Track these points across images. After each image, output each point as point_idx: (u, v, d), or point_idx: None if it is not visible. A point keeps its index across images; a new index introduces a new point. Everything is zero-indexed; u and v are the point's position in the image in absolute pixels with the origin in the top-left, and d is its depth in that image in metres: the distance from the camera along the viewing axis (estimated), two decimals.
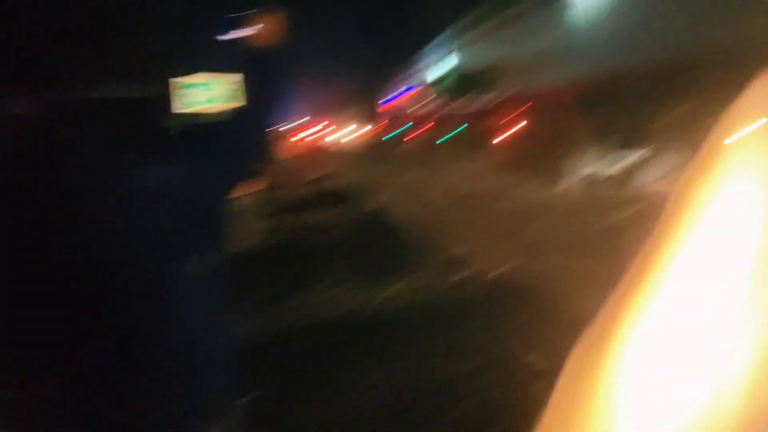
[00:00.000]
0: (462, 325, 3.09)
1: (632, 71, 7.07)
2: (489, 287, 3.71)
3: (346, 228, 6.31)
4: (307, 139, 38.61)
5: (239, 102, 1.00)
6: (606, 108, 7.86)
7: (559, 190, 8.58)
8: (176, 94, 15.90)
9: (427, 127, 19.62)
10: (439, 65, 15.18)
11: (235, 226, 0.95)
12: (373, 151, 25.95)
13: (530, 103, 10.23)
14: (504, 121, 11.08)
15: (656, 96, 6.67)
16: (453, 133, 17.43)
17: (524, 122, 10.34)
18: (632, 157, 8.45)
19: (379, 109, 25.95)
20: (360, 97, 38.88)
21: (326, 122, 44.63)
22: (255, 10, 1.02)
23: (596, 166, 8.74)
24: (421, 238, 5.45)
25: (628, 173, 8.53)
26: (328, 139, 41.39)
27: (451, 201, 8.18)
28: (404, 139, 22.98)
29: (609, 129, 8.03)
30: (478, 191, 9.11)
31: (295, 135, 15.00)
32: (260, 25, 1.01)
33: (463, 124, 14.81)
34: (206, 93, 16.29)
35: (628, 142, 8.37)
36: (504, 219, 6.57)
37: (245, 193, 5.82)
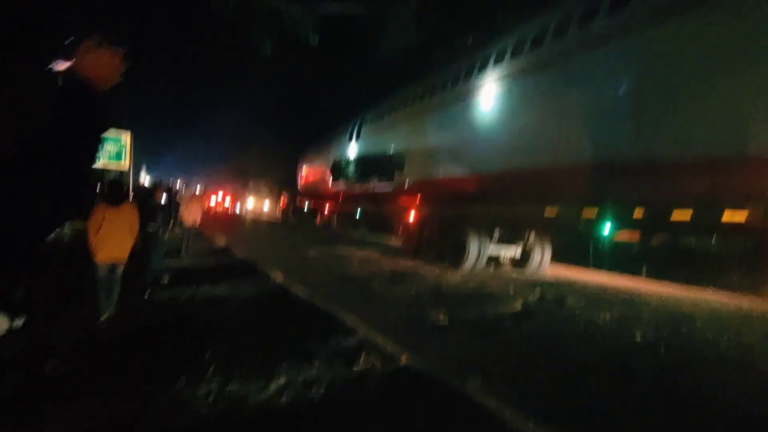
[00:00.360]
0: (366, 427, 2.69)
1: (521, 170, 7.96)
2: (396, 380, 3.37)
3: (240, 306, 5.67)
4: (214, 205, 37.23)
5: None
6: (500, 200, 8.64)
7: (463, 272, 9.16)
8: None
9: (333, 205, 20.33)
10: (346, 149, 16.04)
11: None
12: (280, 224, 25.90)
13: (431, 191, 11.00)
14: (406, 205, 11.78)
15: (540, 194, 7.62)
16: (358, 213, 18.04)
17: (426, 207, 11.06)
18: (522, 244, 9.80)
19: (296, 184, 26.29)
20: (268, 172, 39.14)
21: (234, 192, 43.64)
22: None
23: (494, 250, 9.69)
24: (325, 319, 5.04)
25: (523, 259, 9.89)
26: (234, 208, 40.29)
27: (358, 279, 7.93)
28: (311, 215, 23.87)
29: (503, 219, 8.91)
30: (383, 271, 9.04)
31: (203, 200, 14.40)
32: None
33: (366, 205, 15.57)
34: None
35: (520, 232, 9.58)
36: (410, 301, 6.44)
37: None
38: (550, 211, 7.44)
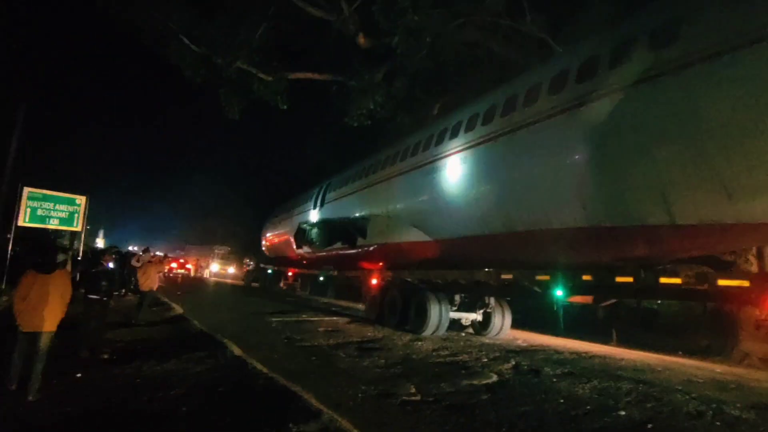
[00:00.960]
0: None
1: (477, 237, 8.22)
2: None
3: (189, 386, 5.06)
4: (176, 270, 35.67)
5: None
6: (458, 266, 8.90)
7: (426, 337, 9.10)
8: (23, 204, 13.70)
9: (297, 270, 20.23)
10: (309, 214, 16.25)
11: None
12: (244, 289, 24.82)
13: (392, 257, 11.16)
14: (369, 271, 11.91)
15: (496, 260, 8.06)
16: (321, 277, 18.16)
17: (388, 273, 11.16)
18: (482, 309, 10.01)
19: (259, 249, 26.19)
20: (233, 236, 38.51)
21: (198, 256, 42.14)
22: None
23: (455, 315, 9.84)
24: (285, 399, 4.53)
25: (484, 323, 10.01)
26: (198, 273, 38.62)
27: (323, 351, 7.40)
28: (275, 280, 23.46)
29: (462, 285, 9.03)
30: (349, 341, 8.54)
31: (162, 265, 13.77)
32: None
33: (329, 270, 15.44)
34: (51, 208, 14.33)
35: (478, 297, 9.82)
36: (379, 374, 5.98)
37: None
38: (506, 277, 7.75)
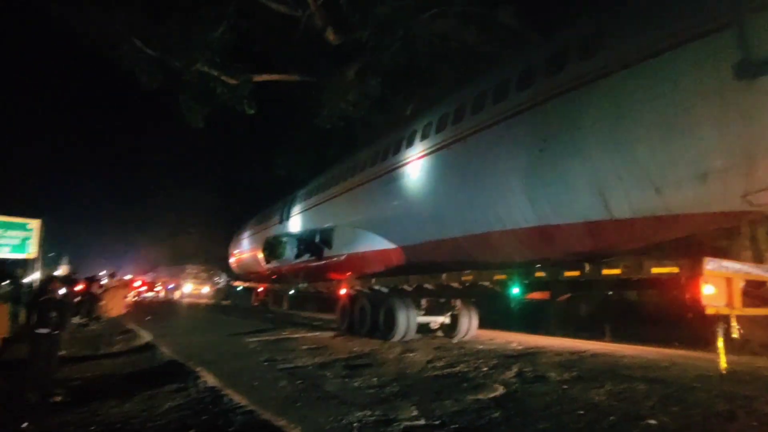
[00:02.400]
0: None
1: (438, 241, 8.61)
2: None
3: (158, 428, 4.35)
4: (145, 292, 34.00)
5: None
6: (422, 270, 9.13)
7: (398, 339, 9.32)
8: None
9: (267, 285, 19.88)
10: (277, 227, 16.21)
11: None
12: (216, 308, 23.73)
13: (358, 266, 11.39)
14: (338, 281, 12.01)
15: (456, 262, 8.32)
16: (292, 291, 17.62)
17: (355, 282, 11.29)
18: (449, 312, 10.19)
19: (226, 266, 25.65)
20: (206, 254, 37.19)
21: (168, 277, 40.39)
22: None
23: (423, 319, 10.07)
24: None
25: (452, 325, 10.14)
26: (169, 294, 36.94)
27: (307, 373, 6.73)
28: (246, 296, 23.09)
29: (427, 289, 9.13)
30: (334, 358, 7.89)
31: (127, 288, 12.98)
32: None
33: (299, 283, 15.34)
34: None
35: (444, 300, 10.04)
36: (373, 396, 5.37)
37: None
38: (466, 278, 8.00)
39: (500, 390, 5.31)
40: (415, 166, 8.80)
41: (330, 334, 11.27)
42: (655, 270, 5.50)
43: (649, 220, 5.51)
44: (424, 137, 8.75)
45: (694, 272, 5.08)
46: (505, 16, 8.15)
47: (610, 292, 8.18)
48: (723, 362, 5.07)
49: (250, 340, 10.27)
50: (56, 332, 5.95)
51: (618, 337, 9.55)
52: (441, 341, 9.65)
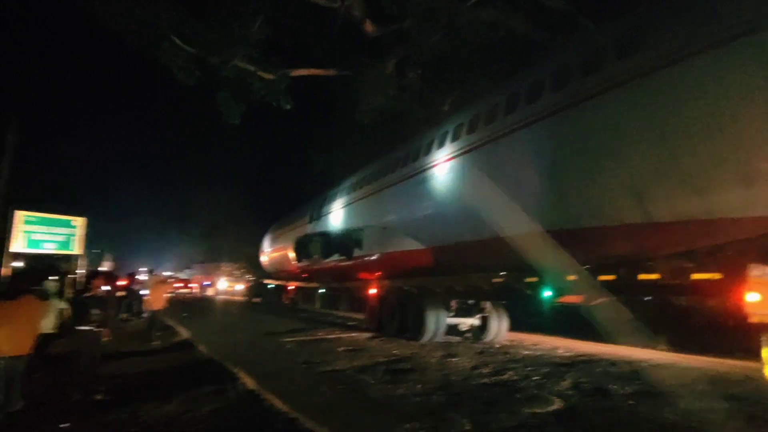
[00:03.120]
0: None
1: (470, 242, 8.30)
2: None
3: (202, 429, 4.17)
4: (181, 289, 34.92)
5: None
6: (453, 272, 9.03)
7: (426, 341, 9.26)
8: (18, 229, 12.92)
9: (298, 284, 20.00)
10: (308, 227, 16.20)
11: None
12: (249, 306, 23.93)
13: (389, 266, 11.24)
14: (368, 281, 11.95)
15: (488, 264, 8.15)
16: (321, 290, 18.22)
17: (385, 282, 11.31)
18: (479, 314, 9.97)
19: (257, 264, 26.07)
20: (240, 252, 37.79)
21: (204, 274, 41.36)
22: None
23: (452, 320, 9.86)
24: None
25: (481, 326, 9.95)
26: (204, 291, 37.83)
27: (348, 377, 6.47)
28: (277, 294, 23.13)
29: (457, 290, 9.15)
30: (374, 361, 7.59)
31: (168, 285, 13.35)
32: None
33: (329, 282, 15.53)
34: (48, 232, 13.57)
35: (474, 301, 9.89)
36: (420, 404, 5.03)
37: None
38: (497, 280, 7.92)
39: (558, 403, 4.88)
40: (448, 166, 8.69)
41: (366, 335, 11.02)
42: (695, 276, 5.31)
43: (693, 224, 5.17)
44: (455, 138, 8.67)
45: (738, 279, 4.87)
46: (555, 1, 7.64)
47: (650, 298, 7.71)
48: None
49: (286, 339, 10.14)
50: (99, 329, 5.92)
51: (672, 346, 8.83)
52: (483, 346, 9.23)
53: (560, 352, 8.59)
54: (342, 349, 8.86)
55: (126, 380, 6.26)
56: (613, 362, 7.32)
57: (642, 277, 5.80)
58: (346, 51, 9.35)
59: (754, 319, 4.74)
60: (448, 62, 8.82)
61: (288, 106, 9.17)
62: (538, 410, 4.66)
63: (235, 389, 5.48)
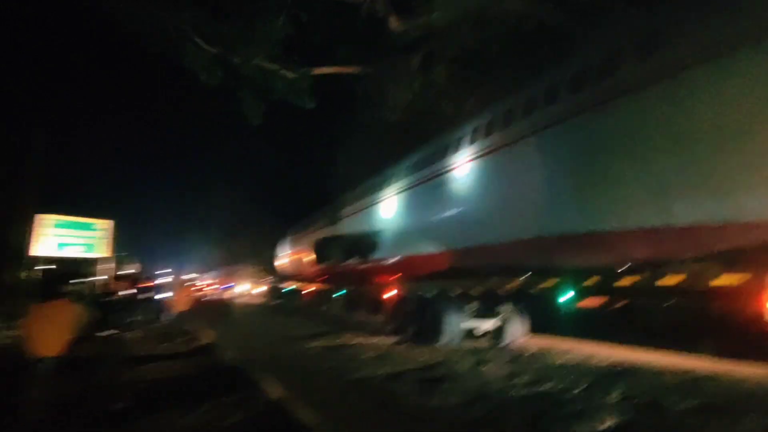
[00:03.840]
0: None
1: (489, 245, 8.33)
2: None
3: None
4: (202, 291, 35.18)
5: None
6: (472, 275, 8.94)
7: (443, 344, 9.15)
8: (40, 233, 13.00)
9: (316, 286, 20.00)
10: (327, 229, 16.36)
11: None
12: (268, 308, 23.83)
13: (408, 269, 11.24)
14: (386, 283, 11.78)
15: (507, 267, 8.01)
16: (340, 293, 17.75)
17: (404, 285, 11.11)
18: (498, 317, 9.73)
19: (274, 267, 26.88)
20: (259, 254, 37.91)
21: (225, 276, 41.66)
22: None
23: (471, 324, 9.66)
24: None
25: (498, 330, 9.72)
26: (224, 293, 38.03)
27: (378, 385, 6.15)
28: (294, 296, 23.28)
29: (476, 293, 9.03)
30: (404, 369, 7.26)
31: (191, 287, 13.45)
32: None
33: (348, 284, 15.53)
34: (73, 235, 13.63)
35: (491, 305, 9.62)
36: (459, 418, 4.68)
37: None
38: (515, 284, 7.81)
39: (612, 420, 4.46)
40: (468, 168, 8.63)
41: (389, 341, 10.68)
42: (717, 280, 5.17)
43: (712, 228, 5.15)
44: (481, 136, 8.58)
45: (758, 284, 4.74)
46: None
47: (670, 302, 7.09)
48: None
49: (309, 345, 9.89)
50: (124, 334, 5.75)
51: (710, 352, 8.21)
52: (514, 352, 8.80)
53: (596, 361, 8.10)
54: (367, 355, 8.56)
55: (149, 386, 6.08)
56: (658, 372, 6.83)
57: (662, 282, 5.68)
58: (369, 48, 9.11)
59: None
60: (476, 57, 8.51)
61: (311, 106, 8.96)
62: (598, 427, 4.26)
63: (262, 398, 5.23)
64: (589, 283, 6.64)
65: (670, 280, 5.63)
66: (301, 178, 34.75)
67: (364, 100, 10.17)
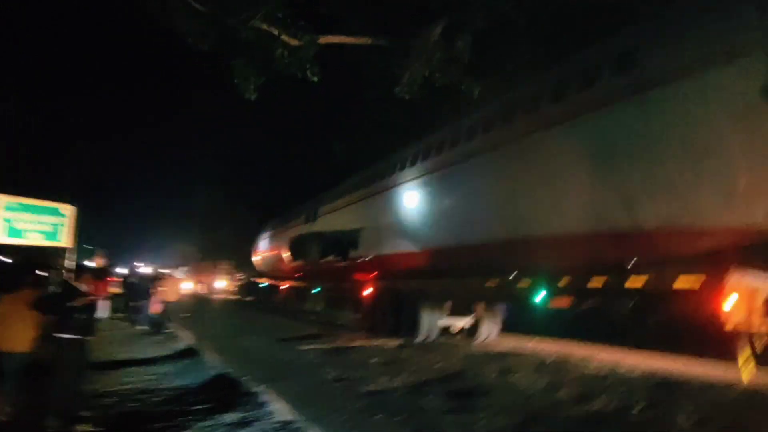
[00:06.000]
0: None
1: (465, 246, 8.67)
2: None
3: None
4: (175, 287, 33.37)
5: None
6: (448, 274, 9.29)
7: (419, 341, 9.43)
8: None
9: (291, 283, 19.97)
10: (304, 227, 16.28)
11: None
12: (248, 306, 22.60)
13: (384, 267, 11.38)
14: (363, 281, 11.92)
15: (481, 267, 8.29)
16: (317, 290, 18.06)
17: (380, 283, 11.32)
18: (472, 315, 10.13)
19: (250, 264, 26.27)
20: (238, 250, 36.56)
21: (201, 273, 39.87)
22: None
23: (446, 322, 9.98)
24: None
25: (473, 328, 10.14)
26: (202, 290, 36.33)
27: (392, 398, 5.20)
28: (270, 293, 23.13)
29: (452, 292, 9.51)
30: (412, 377, 6.33)
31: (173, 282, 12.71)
32: None
33: (326, 282, 15.73)
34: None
35: (467, 303, 10.04)
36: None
37: None
38: (491, 284, 8.12)
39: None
40: (446, 173, 8.92)
41: (392, 343, 9.74)
42: (678, 282, 5.50)
43: (675, 233, 5.56)
44: (454, 144, 8.89)
45: (717, 285, 5.10)
46: None
47: (634, 302, 7.79)
48: (745, 377, 5.09)
49: (304, 348, 8.86)
50: (86, 338, 4.61)
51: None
52: (535, 358, 8.00)
53: (625, 370, 7.36)
54: (374, 360, 7.60)
55: (120, 402, 4.96)
56: (680, 380, 6.10)
57: (630, 283, 5.99)
58: (383, 16, 8.16)
59: (729, 326, 4.96)
60: (502, 31, 7.66)
61: (315, 79, 7.88)
62: None
63: (267, 419, 4.19)
64: (561, 283, 6.96)
65: (637, 282, 5.92)
66: (282, 172, 33.19)
67: (371, 77, 9.23)
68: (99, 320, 10.32)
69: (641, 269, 6.00)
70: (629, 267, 6.09)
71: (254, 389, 5.17)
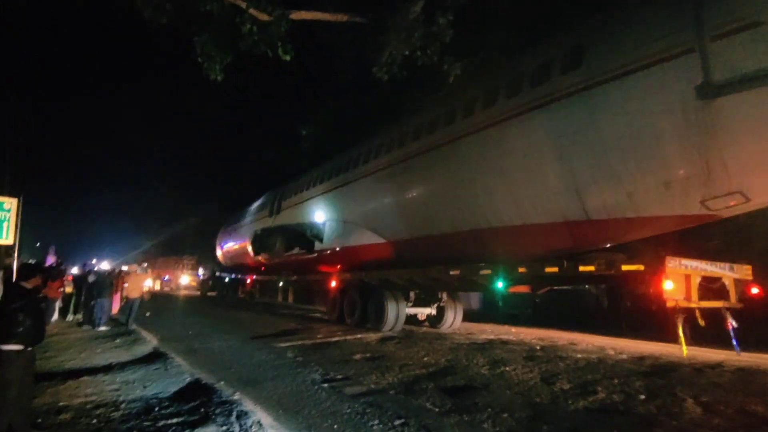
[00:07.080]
0: None
1: (427, 237, 8.84)
2: None
3: None
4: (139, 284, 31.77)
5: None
6: (412, 265, 9.44)
7: (386, 330, 9.83)
8: None
9: (255, 277, 19.56)
10: (267, 220, 16.03)
11: None
12: (216, 302, 21.72)
13: (349, 259, 11.41)
14: (329, 274, 12.17)
15: (444, 258, 8.64)
16: (283, 284, 18.25)
17: (346, 275, 11.54)
18: (436, 304, 10.83)
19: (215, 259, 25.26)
20: (194, 246, 35.31)
21: (164, 269, 38.20)
22: None
23: (411, 311, 10.57)
24: None
25: (438, 316, 10.82)
26: (165, 287, 34.80)
27: (394, 401, 4.82)
28: (233, 288, 23.00)
29: (416, 282, 9.65)
30: (416, 374, 5.99)
31: (125, 280, 11.81)
32: None
33: (292, 275, 15.47)
34: None
35: (432, 292, 10.64)
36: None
37: None
38: (454, 273, 8.41)
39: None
40: (408, 165, 8.99)
41: (373, 336, 9.40)
42: (624, 267, 6.12)
43: (621, 221, 5.96)
44: (415, 137, 8.93)
45: (657, 269, 5.82)
46: None
47: (587, 286, 9.33)
48: (685, 351, 6.15)
49: (282, 345, 8.34)
50: (30, 349, 3.96)
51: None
52: (525, 348, 7.84)
53: (613, 354, 7.33)
54: (358, 356, 7.20)
55: (76, 419, 4.33)
56: (697, 368, 6.06)
57: (582, 269, 6.52)
58: None
59: (670, 304, 5.75)
60: (485, 10, 7.32)
61: (287, 57, 7.29)
62: None
63: None
64: (520, 269, 7.36)
65: (587, 267, 6.47)
66: (246, 161, 31.91)
67: (345, 57, 8.69)
68: (48, 323, 9.48)
69: (593, 255, 6.64)
70: (581, 254, 6.75)
71: (231, 396, 4.65)
